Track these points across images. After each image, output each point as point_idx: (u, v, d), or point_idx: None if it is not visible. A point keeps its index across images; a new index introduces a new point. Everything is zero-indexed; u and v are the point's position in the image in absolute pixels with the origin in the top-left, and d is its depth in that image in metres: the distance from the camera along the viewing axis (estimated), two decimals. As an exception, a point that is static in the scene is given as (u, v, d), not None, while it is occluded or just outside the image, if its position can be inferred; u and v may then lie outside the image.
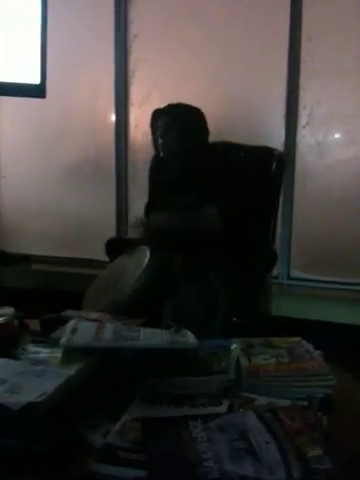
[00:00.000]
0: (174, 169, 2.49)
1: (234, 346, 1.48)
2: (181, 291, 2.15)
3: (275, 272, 3.22)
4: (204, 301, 2.17)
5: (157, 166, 2.71)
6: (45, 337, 1.52)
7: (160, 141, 2.47)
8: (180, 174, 2.46)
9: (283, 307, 3.02)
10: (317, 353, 1.46)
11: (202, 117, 2.52)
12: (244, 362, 1.40)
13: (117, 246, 2.56)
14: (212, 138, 2.64)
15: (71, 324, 1.46)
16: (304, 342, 1.53)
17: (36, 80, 1.91)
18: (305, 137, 3.40)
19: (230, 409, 1.21)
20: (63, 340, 1.36)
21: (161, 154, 2.51)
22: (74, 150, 3.87)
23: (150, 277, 2.06)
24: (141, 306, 1.94)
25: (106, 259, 2.60)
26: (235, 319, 2.31)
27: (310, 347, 1.50)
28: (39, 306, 1.87)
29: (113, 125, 3.76)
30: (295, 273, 3.50)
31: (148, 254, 2.12)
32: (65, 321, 1.52)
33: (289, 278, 3.50)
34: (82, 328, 1.43)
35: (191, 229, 2.31)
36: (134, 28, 3.63)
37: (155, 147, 2.56)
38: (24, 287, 3.65)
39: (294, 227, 3.45)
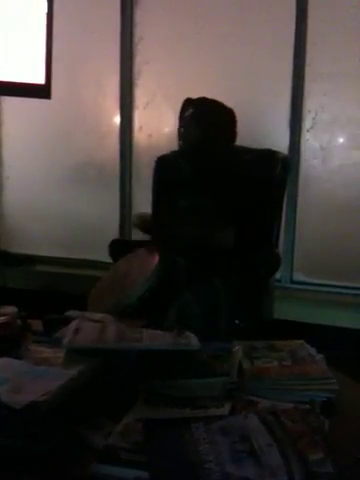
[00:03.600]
0: (190, 168, 2.48)
1: (237, 349, 1.48)
2: (184, 294, 2.15)
3: (278, 276, 3.22)
4: (207, 304, 2.17)
5: (163, 167, 2.70)
6: (48, 337, 1.52)
7: (182, 131, 2.45)
8: (196, 174, 2.45)
9: (286, 311, 3.01)
10: (320, 357, 1.46)
11: (231, 119, 2.47)
12: (247, 365, 1.40)
13: (120, 248, 2.55)
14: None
15: (74, 324, 1.46)
16: (307, 346, 1.53)
17: (41, 81, 1.92)
18: (309, 141, 3.40)
19: (232, 411, 1.21)
20: (66, 340, 1.36)
21: (179, 143, 2.47)
22: (78, 152, 3.88)
23: (158, 280, 2.05)
24: (146, 308, 1.93)
25: (109, 261, 2.60)
26: (238, 322, 2.31)
27: (313, 351, 1.50)
28: (42, 307, 1.87)
29: (118, 127, 3.76)
30: (298, 277, 3.49)
31: (156, 256, 2.10)
32: (68, 321, 1.52)
33: (292, 282, 3.49)
34: (85, 329, 1.43)
35: (202, 243, 2.31)
36: (139, 31, 3.64)
37: (179, 137, 2.51)
38: (27, 288, 3.65)
39: (297, 231, 3.44)
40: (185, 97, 2.57)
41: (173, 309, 2.06)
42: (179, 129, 2.49)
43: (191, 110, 2.46)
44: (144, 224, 2.57)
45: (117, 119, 3.77)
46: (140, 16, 3.62)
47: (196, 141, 2.42)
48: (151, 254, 2.13)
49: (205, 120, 2.43)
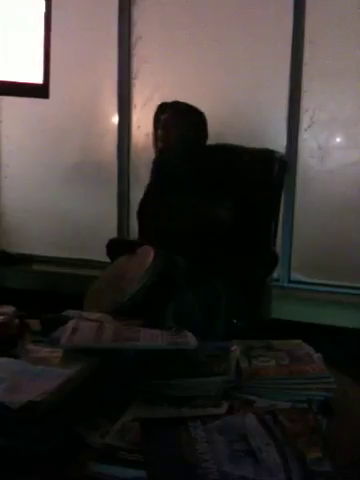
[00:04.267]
0: (177, 168, 2.49)
1: (234, 348, 1.48)
2: (183, 293, 2.15)
3: (276, 275, 3.22)
4: (205, 303, 2.17)
5: (161, 166, 2.71)
6: (45, 337, 1.52)
7: (160, 133, 2.50)
8: (183, 173, 2.47)
9: (283, 310, 3.02)
10: (317, 356, 1.46)
11: (204, 120, 2.55)
12: (244, 364, 1.40)
13: (118, 247, 2.56)
14: (214, 140, 2.65)
15: (71, 324, 1.46)
16: (305, 345, 1.53)
17: (39, 80, 1.92)
18: (307, 140, 3.40)
19: (230, 411, 1.20)
20: (63, 340, 1.36)
21: (159, 146, 2.52)
22: (76, 151, 3.88)
23: (153, 279, 2.05)
24: (143, 308, 1.93)
25: (107, 260, 2.60)
26: (235, 321, 2.31)
27: (310, 350, 1.50)
28: (40, 306, 1.87)
29: (116, 126, 3.76)
30: (296, 276, 3.50)
31: (152, 255, 2.11)
32: (65, 321, 1.52)
33: (290, 281, 3.49)
34: (82, 328, 1.43)
35: (202, 226, 2.31)
36: (137, 30, 3.64)
37: (154, 140, 2.57)
38: (25, 287, 3.64)
39: (295, 230, 3.45)
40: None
41: (171, 308, 2.07)
42: (155, 132, 2.53)
43: (168, 113, 2.50)
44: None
45: (115, 118, 3.77)
46: (138, 15, 3.62)
47: (175, 142, 2.46)
48: (148, 254, 2.13)
49: (183, 121, 2.48)
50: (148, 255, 2.12)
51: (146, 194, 2.67)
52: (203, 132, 2.56)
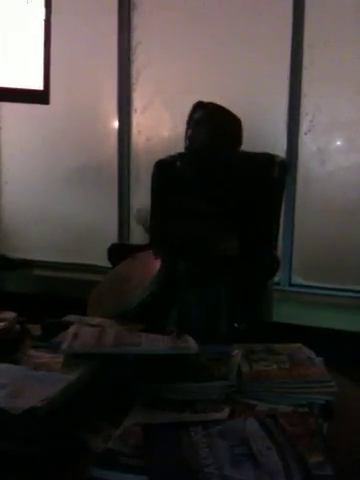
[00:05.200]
0: (192, 171, 2.48)
1: (235, 352, 1.48)
2: (184, 293, 2.15)
3: (277, 279, 3.22)
4: (206, 306, 2.17)
5: (162, 171, 2.71)
6: (46, 342, 1.52)
7: (190, 132, 2.47)
8: (197, 177, 2.46)
9: (284, 314, 3.02)
10: (318, 360, 1.46)
11: (239, 126, 2.51)
12: (245, 368, 1.40)
13: (119, 252, 2.56)
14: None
15: (72, 330, 1.46)
16: (305, 348, 1.53)
17: (39, 86, 1.92)
18: (307, 144, 3.40)
19: (231, 415, 1.21)
20: (64, 346, 1.36)
21: (186, 144, 2.49)
22: (77, 156, 3.88)
23: (160, 286, 2.04)
24: (148, 313, 1.93)
25: (108, 265, 2.60)
26: (236, 325, 2.31)
27: (311, 353, 1.50)
28: (41, 311, 1.87)
29: (116, 131, 3.77)
30: (297, 280, 3.49)
31: (158, 261, 2.10)
32: (66, 326, 1.53)
33: (291, 285, 3.49)
34: (84, 333, 1.43)
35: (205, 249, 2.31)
36: (137, 35, 3.65)
37: (185, 139, 2.53)
38: (26, 292, 3.65)
39: (296, 234, 3.45)
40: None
41: (173, 312, 2.06)
42: (187, 131, 2.50)
43: (202, 113, 2.47)
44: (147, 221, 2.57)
45: (115, 123, 3.78)
46: (138, 20, 3.63)
47: (205, 143, 2.43)
48: (151, 259, 2.13)
49: (216, 124, 2.45)
50: (151, 261, 2.12)
51: (153, 200, 2.67)
52: (236, 137, 2.52)
